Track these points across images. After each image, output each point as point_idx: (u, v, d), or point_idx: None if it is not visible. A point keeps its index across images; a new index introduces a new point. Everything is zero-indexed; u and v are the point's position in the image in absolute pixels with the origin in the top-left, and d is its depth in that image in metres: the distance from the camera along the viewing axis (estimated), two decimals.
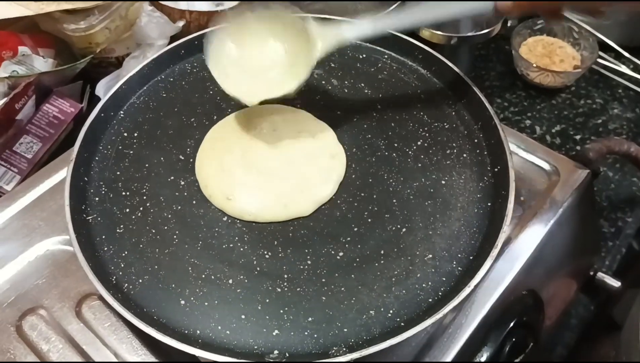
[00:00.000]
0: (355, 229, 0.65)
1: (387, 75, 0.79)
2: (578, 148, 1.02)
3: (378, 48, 0.82)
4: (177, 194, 0.68)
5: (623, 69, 1.14)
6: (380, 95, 0.77)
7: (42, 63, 1.00)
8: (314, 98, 0.78)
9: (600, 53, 1.13)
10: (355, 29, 0.68)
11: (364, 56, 0.81)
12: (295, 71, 0.67)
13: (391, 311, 0.58)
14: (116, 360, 0.62)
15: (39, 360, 0.62)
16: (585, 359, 0.88)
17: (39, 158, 0.92)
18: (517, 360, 0.65)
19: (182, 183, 0.69)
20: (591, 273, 0.85)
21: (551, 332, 0.80)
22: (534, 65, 1.07)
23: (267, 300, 0.59)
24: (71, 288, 0.67)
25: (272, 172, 0.69)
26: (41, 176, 0.77)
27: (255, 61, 0.69)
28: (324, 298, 0.59)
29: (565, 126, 1.06)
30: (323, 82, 0.80)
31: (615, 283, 0.85)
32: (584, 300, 0.89)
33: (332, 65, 0.81)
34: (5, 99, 0.89)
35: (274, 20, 0.68)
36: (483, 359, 0.63)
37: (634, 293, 0.84)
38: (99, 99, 0.77)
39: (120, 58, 1.08)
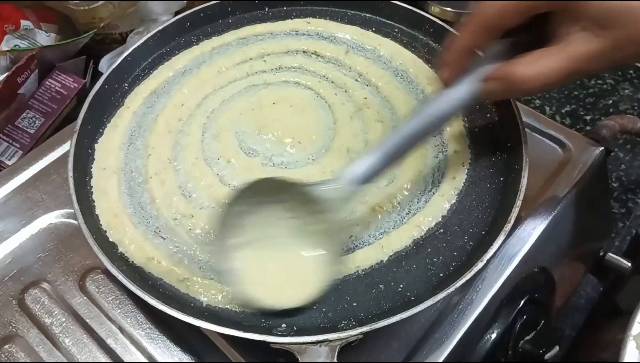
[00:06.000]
0: None
1: None
2: (588, 128, 1.01)
3: (388, 22, 0.80)
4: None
5: None
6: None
7: (45, 38, 0.99)
8: None
9: None
10: (364, 174, 0.55)
11: (374, 29, 0.80)
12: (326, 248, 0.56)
13: (401, 286, 0.57)
14: (121, 334, 0.61)
15: (41, 334, 0.61)
16: (592, 342, 0.87)
17: (42, 133, 0.91)
18: (528, 338, 0.64)
19: None
20: (601, 253, 0.84)
21: (560, 312, 0.79)
22: None
23: None
24: (75, 262, 0.66)
25: None
26: (45, 149, 0.76)
27: (270, 248, 0.56)
28: None
29: (575, 107, 1.04)
30: None
31: (626, 264, 0.84)
32: (593, 281, 0.88)
33: None
34: (7, 73, 0.87)
35: (275, 190, 0.55)
36: (494, 336, 0.62)
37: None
38: (102, 75, 0.75)
39: (124, 34, 1.06)
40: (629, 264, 0.83)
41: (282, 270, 0.56)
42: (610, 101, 1.05)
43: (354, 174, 0.54)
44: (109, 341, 0.61)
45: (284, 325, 0.54)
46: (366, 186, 0.55)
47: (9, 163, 0.88)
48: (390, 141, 0.55)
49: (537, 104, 1.05)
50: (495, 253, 0.55)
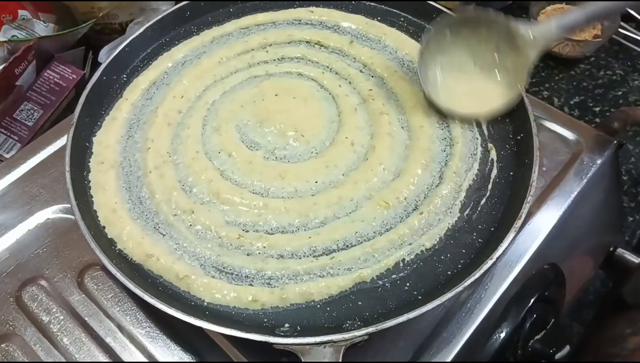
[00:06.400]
0: None
1: None
2: (597, 120, 0.99)
3: (393, 10, 0.78)
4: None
5: None
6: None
7: (43, 28, 0.97)
8: None
9: (621, 23, 1.09)
10: (566, 22, 0.63)
11: (379, 18, 0.78)
12: (511, 80, 0.66)
13: (408, 284, 0.55)
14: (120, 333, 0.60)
15: (39, 332, 0.60)
16: (599, 337, 0.85)
17: (40, 125, 0.89)
18: (537, 337, 0.62)
19: None
20: (611, 248, 0.82)
21: (569, 308, 0.78)
22: None
23: None
24: (73, 258, 0.65)
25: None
26: (42, 142, 0.74)
27: (467, 70, 0.67)
28: None
29: (584, 98, 1.02)
30: None
31: (635, 259, 0.82)
32: (602, 276, 0.86)
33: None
34: (4, 64, 0.86)
35: (480, 23, 0.66)
36: (503, 335, 0.60)
37: None
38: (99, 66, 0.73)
39: (123, 24, 1.04)
40: (639, 260, 0.81)
41: (472, 87, 0.66)
42: (620, 92, 1.03)
43: (559, 22, 0.63)
44: (108, 340, 0.60)
45: (287, 325, 0.53)
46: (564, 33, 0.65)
47: (7, 156, 0.87)
48: (596, 4, 0.62)
49: (545, 95, 1.02)
50: (504, 249, 0.54)
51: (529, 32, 0.63)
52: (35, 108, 0.90)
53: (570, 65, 1.07)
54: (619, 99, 1.02)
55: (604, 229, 0.80)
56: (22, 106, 0.90)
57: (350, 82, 0.71)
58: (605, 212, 0.78)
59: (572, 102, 1.01)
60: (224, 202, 0.61)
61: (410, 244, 0.58)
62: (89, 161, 0.65)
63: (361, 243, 0.58)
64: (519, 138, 0.64)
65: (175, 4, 0.83)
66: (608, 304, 0.88)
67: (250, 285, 0.55)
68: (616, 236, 0.84)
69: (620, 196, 0.86)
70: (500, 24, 0.64)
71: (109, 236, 0.59)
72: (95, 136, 0.67)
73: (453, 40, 0.66)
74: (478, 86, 0.66)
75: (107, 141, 0.66)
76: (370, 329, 0.49)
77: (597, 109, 1.01)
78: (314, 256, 0.57)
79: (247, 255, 0.57)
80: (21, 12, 0.96)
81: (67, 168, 0.61)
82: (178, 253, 0.58)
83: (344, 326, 0.52)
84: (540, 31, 0.64)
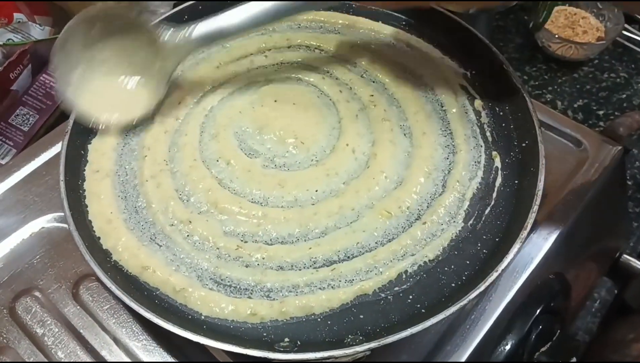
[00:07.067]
0: None
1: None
2: (601, 123, 0.98)
3: (394, 14, 0.77)
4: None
5: None
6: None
7: (39, 31, 0.96)
8: None
9: (625, 25, 1.08)
10: (210, 31, 0.62)
11: (381, 22, 0.76)
12: (149, 87, 0.65)
13: (411, 297, 0.54)
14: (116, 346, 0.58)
15: (33, 345, 0.59)
16: (602, 342, 0.84)
17: (36, 130, 0.88)
18: (543, 349, 0.61)
19: None
20: (616, 255, 0.81)
21: (575, 317, 0.76)
22: (556, 36, 1.01)
23: None
24: (68, 269, 0.63)
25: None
26: (37, 149, 0.73)
27: (117, 71, 0.64)
28: None
29: (588, 101, 1.01)
30: None
31: None
32: (607, 284, 0.85)
33: None
34: None
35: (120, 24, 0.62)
36: (508, 347, 0.59)
37: None
38: None
39: None
40: None
41: (118, 90, 0.64)
42: (624, 95, 1.02)
43: (203, 30, 0.61)
44: (104, 353, 0.58)
45: (286, 340, 0.51)
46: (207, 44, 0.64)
47: (3, 162, 0.86)
48: (250, 10, 0.60)
49: (548, 98, 1.01)
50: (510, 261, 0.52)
51: (167, 38, 0.62)
52: (31, 113, 0.89)
53: (574, 68, 1.06)
54: (623, 102, 1.01)
55: (609, 235, 0.79)
56: (18, 111, 0.89)
57: (350, 88, 0.69)
58: (611, 219, 0.77)
59: (575, 105, 1.00)
60: (222, 212, 0.59)
61: (413, 255, 0.56)
62: (84, 170, 0.63)
63: (363, 254, 0.56)
64: (523, 145, 0.62)
65: (174, 6, 0.81)
66: (613, 310, 0.87)
67: (249, 297, 0.54)
68: (622, 243, 0.82)
69: (625, 202, 0.84)
70: (137, 25, 0.62)
71: (104, 247, 0.57)
72: (90, 143, 0.65)
73: (102, 34, 0.62)
74: (124, 89, 0.64)
75: (102, 148, 0.65)
76: (373, 344, 0.48)
77: (601, 112, 0.99)
78: (314, 268, 0.56)
79: (246, 266, 0.56)
80: (17, 16, 0.95)
81: (62, 176, 0.59)
82: (175, 265, 0.56)
83: (345, 341, 0.51)
84: (179, 40, 0.62)
